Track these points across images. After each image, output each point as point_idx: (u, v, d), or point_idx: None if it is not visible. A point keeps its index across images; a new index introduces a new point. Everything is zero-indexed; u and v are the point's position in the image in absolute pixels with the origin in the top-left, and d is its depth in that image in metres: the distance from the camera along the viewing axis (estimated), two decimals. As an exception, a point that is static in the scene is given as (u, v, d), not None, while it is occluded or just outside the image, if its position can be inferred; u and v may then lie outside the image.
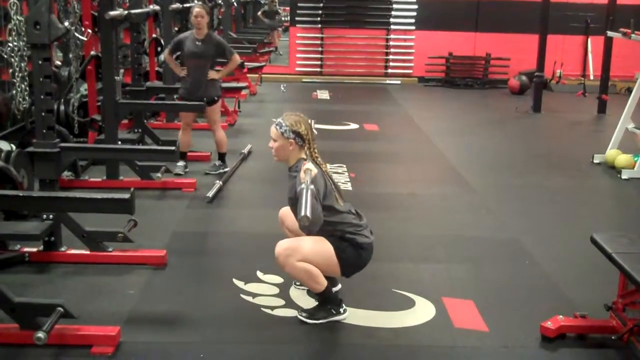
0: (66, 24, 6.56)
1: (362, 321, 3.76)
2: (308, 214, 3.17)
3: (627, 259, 3.34)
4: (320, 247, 3.62)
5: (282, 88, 12.86)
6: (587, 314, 3.68)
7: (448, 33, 14.10)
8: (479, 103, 12.38)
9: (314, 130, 3.78)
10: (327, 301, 3.75)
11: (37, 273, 4.31)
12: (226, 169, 6.73)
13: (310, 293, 4.01)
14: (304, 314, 3.76)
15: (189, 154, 6.83)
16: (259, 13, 18.35)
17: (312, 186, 3.35)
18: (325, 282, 3.68)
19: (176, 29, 9.23)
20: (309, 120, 3.78)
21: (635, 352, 3.39)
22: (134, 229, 4.66)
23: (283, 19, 20.02)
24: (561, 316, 3.65)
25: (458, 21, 14.08)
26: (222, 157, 6.77)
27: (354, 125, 9.59)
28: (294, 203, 3.53)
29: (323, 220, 3.46)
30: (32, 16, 4.13)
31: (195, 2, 6.75)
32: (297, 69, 14.48)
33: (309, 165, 3.53)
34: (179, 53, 6.78)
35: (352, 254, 3.65)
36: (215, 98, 6.59)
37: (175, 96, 7.35)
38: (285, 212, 4.02)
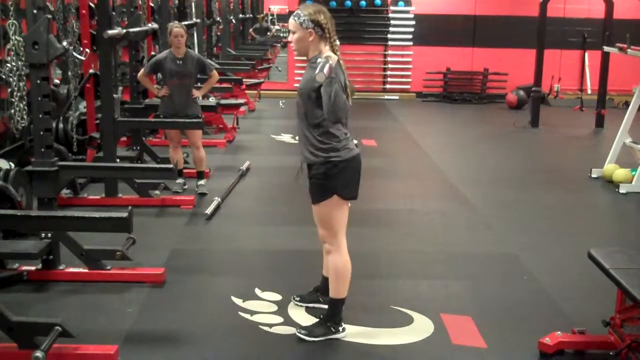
0: (64, 43, 6.59)
1: (360, 338, 3.75)
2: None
3: (625, 274, 3.34)
4: (327, 214, 3.68)
5: (281, 104, 12.89)
6: (586, 330, 3.68)
7: (445, 48, 14.16)
8: (477, 118, 12.43)
9: (333, 20, 3.63)
10: (334, 314, 3.74)
11: (35, 292, 4.30)
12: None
13: (310, 310, 4.01)
14: (302, 332, 3.75)
15: (185, 170, 6.84)
16: (250, 30, 18.22)
17: (333, 75, 3.32)
18: (346, 292, 3.70)
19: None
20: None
21: (634, 368, 3.39)
22: (132, 246, 4.66)
23: (282, 35, 20.01)
24: (559, 332, 3.64)
25: (455, 36, 14.15)
26: (201, 175, 6.67)
27: (352, 141, 9.57)
28: (303, 93, 3.55)
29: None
30: (31, 36, 4.15)
31: (173, 22, 6.76)
32: (295, 84, 14.50)
33: (329, 52, 3.46)
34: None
35: (346, 175, 3.73)
36: (199, 116, 6.60)
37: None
38: None
